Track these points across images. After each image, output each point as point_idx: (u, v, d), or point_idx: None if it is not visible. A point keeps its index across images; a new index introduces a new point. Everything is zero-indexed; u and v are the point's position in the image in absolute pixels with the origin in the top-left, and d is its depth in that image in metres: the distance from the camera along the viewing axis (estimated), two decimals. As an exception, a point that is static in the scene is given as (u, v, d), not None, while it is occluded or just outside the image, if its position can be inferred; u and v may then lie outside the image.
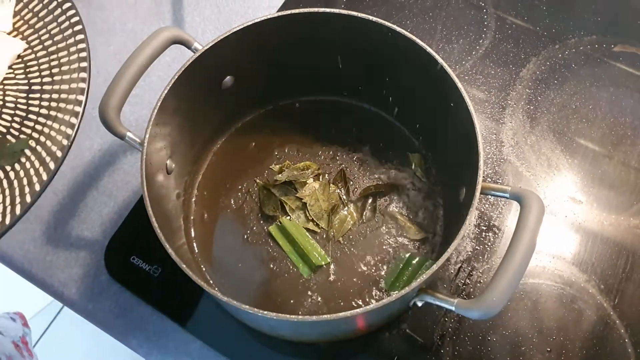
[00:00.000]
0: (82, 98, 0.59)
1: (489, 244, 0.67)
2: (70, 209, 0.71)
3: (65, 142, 0.57)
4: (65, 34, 0.63)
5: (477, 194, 0.52)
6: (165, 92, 0.58)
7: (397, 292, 0.62)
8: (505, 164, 0.72)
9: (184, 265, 0.50)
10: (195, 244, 0.67)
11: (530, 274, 0.65)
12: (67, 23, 0.64)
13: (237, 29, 0.60)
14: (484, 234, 0.67)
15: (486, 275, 0.65)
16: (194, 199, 0.69)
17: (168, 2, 0.85)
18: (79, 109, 0.59)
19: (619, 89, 0.77)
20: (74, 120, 0.58)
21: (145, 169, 0.55)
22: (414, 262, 0.64)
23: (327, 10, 0.61)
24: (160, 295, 0.65)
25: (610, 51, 0.79)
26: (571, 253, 0.67)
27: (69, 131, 0.57)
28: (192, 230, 0.67)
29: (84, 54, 0.62)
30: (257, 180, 0.70)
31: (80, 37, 0.63)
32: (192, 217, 0.68)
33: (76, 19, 0.63)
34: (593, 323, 0.63)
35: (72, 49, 0.62)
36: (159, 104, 0.57)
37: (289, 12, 0.61)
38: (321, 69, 0.70)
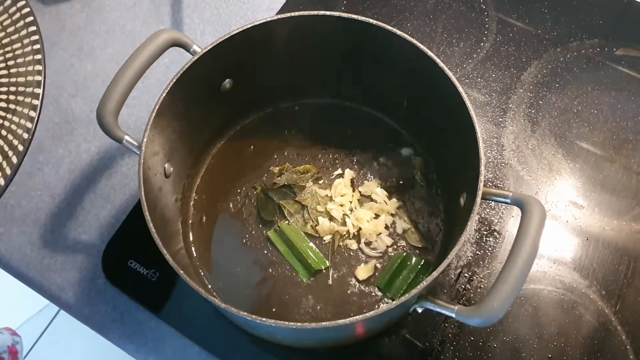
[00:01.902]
0: (39, 91, 0.60)
1: (490, 249, 0.66)
2: (68, 212, 0.70)
3: (25, 135, 0.57)
4: (18, 25, 0.63)
5: (478, 199, 0.51)
6: (164, 95, 0.57)
7: (391, 293, 0.62)
8: (506, 168, 0.71)
9: (182, 271, 0.49)
10: (193, 248, 0.66)
11: (531, 280, 0.65)
12: (18, 14, 0.64)
13: (237, 31, 0.60)
14: (484, 238, 0.67)
15: (487, 281, 0.65)
16: (192, 203, 0.69)
17: (167, 4, 0.84)
18: (36, 102, 0.59)
19: (621, 93, 0.76)
20: (32, 113, 0.58)
21: (143, 173, 0.54)
22: (409, 262, 0.64)
23: (327, 13, 0.61)
24: (158, 299, 0.65)
25: (613, 54, 0.79)
26: (572, 258, 0.66)
27: (29, 124, 0.58)
28: (191, 234, 0.67)
29: (37, 46, 0.62)
30: (256, 185, 0.69)
31: (32, 28, 0.63)
32: (190, 221, 0.67)
33: (27, 9, 0.64)
34: (594, 329, 0.62)
35: (26, 40, 0.63)
36: (157, 107, 0.57)
37: (288, 14, 0.61)
38: (321, 72, 0.69)
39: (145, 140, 0.55)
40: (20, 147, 0.57)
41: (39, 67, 0.61)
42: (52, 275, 0.67)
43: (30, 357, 1.41)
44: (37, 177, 0.73)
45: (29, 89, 0.60)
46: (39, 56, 0.61)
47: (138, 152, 0.55)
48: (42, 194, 0.72)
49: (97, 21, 0.83)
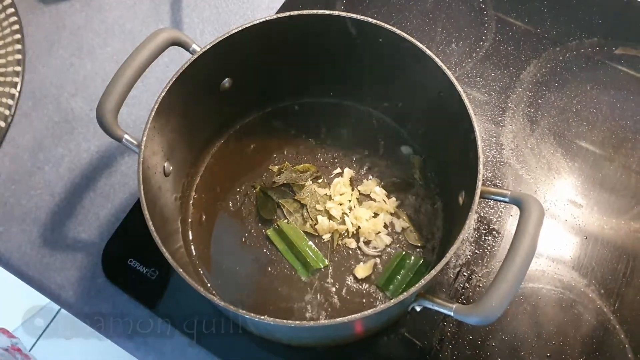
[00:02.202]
0: (19, 69, 0.62)
1: (489, 247, 0.66)
2: (68, 211, 0.71)
3: (7, 112, 0.59)
4: None
5: (477, 198, 0.51)
6: (163, 94, 0.57)
7: (390, 292, 0.62)
8: (505, 167, 0.72)
9: (181, 270, 0.49)
10: (192, 247, 0.66)
11: (530, 278, 0.65)
12: None
13: (236, 30, 0.60)
14: (483, 237, 0.67)
15: (485, 279, 0.65)
16: (191, 202, 0.69)
17: (167, 3, 0.84)
18: (17, 79, 0.61)
19: (620, 92, 0.76)
20: (13, 91, 0.59)
21: (143, 171, 0.54)
22: (408, 261, 0.64)
23: (327, 12, 0.61)
24: (158, 298, 0.65)
25: (612, 53, 0.79)
26: (571, 257, 0.66)
27: (10, 102, 0.59)
28: (190, 232, 0.67)
29: (16, 27, 0.64)
30: (255, 184, 0.69)
31: (10, 10, 0.64)
32: (189, 220, 0.68)
33: None
34: (593, 328, 0.62)
35: (4, 23, 0.64)
36: (156, 106, 0.57)
37: (288, 13, 0.61)
38: (321, 71, 0.69)
39: (144, 139, 0.55)
40: (2, 124, 0.58)
41: (18, 47, 0.62)
42: (52, 274, 0.67)
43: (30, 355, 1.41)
44: (37, 176, 0.73)
45: (10, 68, 0.62)
46: (18, 35, 0.63)
47: (137, 151, 0.55)
48: (42, 192, 0.72)
49: (97, 20, 0.84)
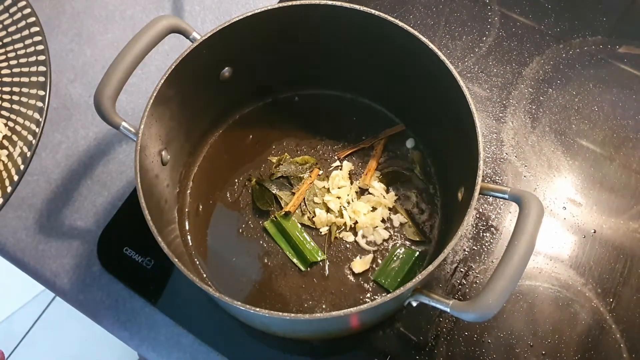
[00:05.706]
0: (43, 93, 0.59)
1: (487, 244, 0.66)
2: (64, 198, 0.70)
3: (31, 138, 0.57)
4: (19, 25, 0.64)
5: (476, 194, 0.51)
6: (162, 82, 0.57)
7: (386, 286, 0.62)
8: (505, 163, 0.71)
9: (176, 260, 0.49)
10: (189, 237, 0.66)
11: (527, 276, 0.65)
12: (19, 14, 0.64)
13: (237, 19, 0.59)
14: (481, 233, 0.67)
15: (482, 276, 0.64)
16: (189, 191, 0.68)
17: (168, -10, 0.84)
18: (41, 104, 0.58)
19: (622, 91, 0.76)
20: (37, 115, 0.58)
21: (140, 160, 0.54)
22: (406, 256, 0.64)
23: (329, 2, 0.60)
24: (153, 287, 0.64)
25: (615, 52, 0.78)
26: (569, 256, 0.66)
27: (34, 127, 0.58)
28: (187, 222, 0.66)
29: (40, 47, 0.62)
30: (252, 176, 0.69)
31: (35, 29, 0.63)
32: (186, 210, 0.67)
33: (28, 10, 0.64)
34: (589, 327, 0.62)
35: (28, 41, 0.63)
36: (155, 94, 0.56)
37: (290, 3, 0.60)
38: (322, 63, 0.69)
39: (142, 127, 0.55)
40: (27, 152, 0.57)
41: (42, 68, 0.60)
42: (47, 261, 0.67)
43: (25, 343, 1.41)
44: (34, 162, 0.72)
45: (33, 91, 0.60)
46: (42, 57, 0.61)
47: (135, 139, 0.55)
48: (38, 179, 0.71)
49: (98, 6, 0.83)
